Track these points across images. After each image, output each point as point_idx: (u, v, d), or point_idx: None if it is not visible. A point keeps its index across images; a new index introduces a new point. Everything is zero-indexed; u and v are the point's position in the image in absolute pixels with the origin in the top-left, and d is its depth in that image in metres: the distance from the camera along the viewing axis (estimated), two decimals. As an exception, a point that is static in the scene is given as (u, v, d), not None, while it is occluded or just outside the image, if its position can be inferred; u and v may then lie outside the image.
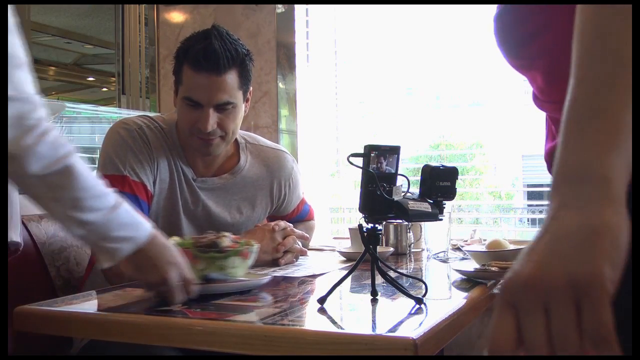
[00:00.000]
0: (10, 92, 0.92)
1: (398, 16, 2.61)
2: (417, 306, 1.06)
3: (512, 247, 1.49)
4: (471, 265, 1.44)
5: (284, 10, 2.62)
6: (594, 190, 0.49)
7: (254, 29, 2.62)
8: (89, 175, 1.04)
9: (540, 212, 2.95)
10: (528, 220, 3.28)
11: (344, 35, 2.70)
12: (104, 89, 2.84)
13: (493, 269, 1.36)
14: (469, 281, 1.32)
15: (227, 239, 1.23)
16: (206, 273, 1.19)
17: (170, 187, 1.56)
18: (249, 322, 0.97)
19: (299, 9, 2.65)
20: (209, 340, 0.97)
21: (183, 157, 1.59)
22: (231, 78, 1.49)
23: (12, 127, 0.93)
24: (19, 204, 1.25)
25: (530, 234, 2.88)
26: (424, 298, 1.08)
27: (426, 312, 1.03)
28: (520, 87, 2.53)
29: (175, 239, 1.22)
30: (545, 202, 2.61)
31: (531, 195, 3.21)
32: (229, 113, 1.52)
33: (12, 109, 0.93)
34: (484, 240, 1.75)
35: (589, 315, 0.45)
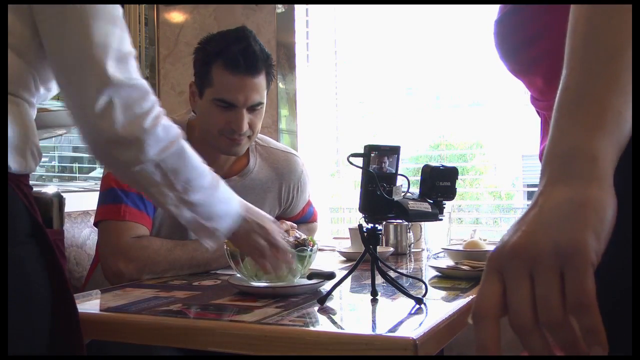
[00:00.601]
0: (121, 77, 0.93)
1: (398, 16, 2.60)
2: (417, 306, 1.06)
3: (488, 248, 1.50)
4: (445, 263, 1.45)
5: (284, 10, 2.62)
6: (581, 168, 0.51)
7: (254, 29, 2.59)
8: (195, 154, 1.08)
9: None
10: (528, 220, 3.27)
11: (344, 35, 2.70)
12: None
13: (465, 267, 1.37)
14: (469, 281, 1.32)
15: (306, 238, 1.27)
16: (300, 272, 1.23)
17: None
18: (249, 322, 0.97)
19: (299, 9, 2.65)
20: (209, 340, 0.97)
21: None
22: (262, 79, 1.53)
23: (124, 112, 0.94)
24: None
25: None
26: (424, 298, 1.08)
27: (426, 312, 1.03)
28: (520, 87, 2.53)
29: None
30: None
31: (531, 195, 3.21)
32: (257, 113, 1.55)
33: (122, 95, 0.93)
34: (484, 240, 1.75)
35: (571, 282, 0.47)
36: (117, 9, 0.96)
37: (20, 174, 0.87)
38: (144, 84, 0.98)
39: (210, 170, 1.11)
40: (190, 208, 1.06)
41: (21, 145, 0.87)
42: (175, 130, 1.03)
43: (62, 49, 0.92)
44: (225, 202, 1.13)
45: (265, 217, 1.21)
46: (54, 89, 1.00)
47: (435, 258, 1.69)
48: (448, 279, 1.35)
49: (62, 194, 1.28)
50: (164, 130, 1.00)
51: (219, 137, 1.53)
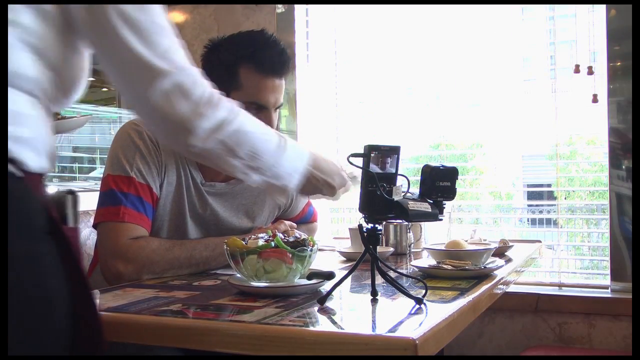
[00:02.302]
0: (168, 67, 0.98)
1: (398, 16, 2.60)
2: (417, 306, 1.06)
3: (469, 247, 1.50)
4: (428, 262, 1.46)
5: (284, 10, 2.62)
6: None
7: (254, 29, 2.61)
8: (256, 121, 1.17)
9: (540, 212, 2.95)
10: (528, 220, 3.28)
11: (344, 35, 2.69)
12: (104, 89, 2.84)
13: (447, 267, 1.37)
14: (469, 281, 1.32)
15: (306, 238, 1.27)
16: (300, 271, 1.23)
17: (178, 191, 1.56)
18: (249, 322, 0.97)
19: (299, 9, 2.65)
20: (209, 340, 0.97)
21: (193, 162, 1.58)
22: (284, 81, 1.57)
23: (180, 99, 1.00)
24: None
25: (530, 233, 2.88)
26: (423, 298, 1.08)
27: (426, 312, 1.03)
28: (520, 87, 2.53)
29: (259, 241, 1.24)
30: (545, 202, 2.62)
31: (531, 195, 3.21)
32: (277, 114, 1.59)
33: (175, 82, 0.99)
34: (484, 240, 1.75)
35: None
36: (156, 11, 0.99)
37: (37, 173, 0.87)
38: (194, 70, 1.04)
39: (276, 132, 1.21)
40: (257, 172, 1.15)
41: (41, 145, 0.88)
42: (232, 107, 1.11)
43: (113, 53, 0.97)
44: (292, 160, 1.21)
45: (333, 170, 1.33)
46: (73, 97, 1.02)
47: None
48: (448, 279, 1.35)
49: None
50: (221, 109, 1.08)
51: None
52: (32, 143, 0.86)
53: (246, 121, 1.14)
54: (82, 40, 0.97)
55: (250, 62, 1.50)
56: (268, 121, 1.52)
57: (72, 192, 1.00)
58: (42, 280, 0.81)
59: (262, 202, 1.71)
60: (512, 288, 1.87)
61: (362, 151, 1.10)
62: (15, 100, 0.85)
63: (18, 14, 0.87)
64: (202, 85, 1.05)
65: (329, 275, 1.22)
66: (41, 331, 0.80)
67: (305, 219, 1.91)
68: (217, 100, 1.07)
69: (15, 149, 0.82)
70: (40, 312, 0.80)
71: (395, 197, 1.11)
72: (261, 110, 1.52)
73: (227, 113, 1.09)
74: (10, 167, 0.81)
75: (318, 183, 1.30)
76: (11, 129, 0.83)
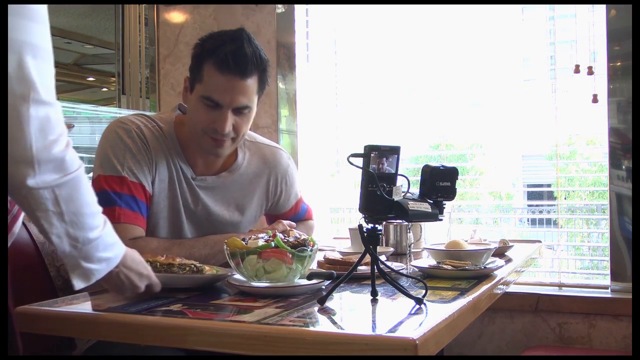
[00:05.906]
0: (39, 95, 0.90)
1: (398, 16, 2.60)
2: (417, 306, 1.06)
3: (469, 247, 1.50)
4: (428, 262, 1.46)
5: (284, 10, 2.62)
6: None
7: (254, 29, 2.62)
8: (91, 191, 1.04)
9: (540, 212, 2.95)
10: (528, 220, 3.28)
11: (344, 35, 2.69)
12: (104, 89, 2.84)
13: (447, 267, 1.38)
14: (469, 281, 1.32)
15: (306, 238, 1.26)
16: (300, 272, 1.22)
17: (170, 187, 1.56)
18: (249, 322, 0.97)
19: (299, 9, 2.65)
20: (209, 340, 0.97)
21: (182, 157, 1.58)
22: (252, 83, 1.50)
23: (40, 132, 0.91)
24: None
25: (530, 233, 2.89)
26: (423, 298, 1.08)
27: (426, 312, 1.03)
28: (520, 87, 2.53)
29: (259, 241, 1.23)
30: (545, 202, 2.63)
31: (531, 195, 3.22)
32: (244, 116, 1.53)
33: (40, 113, 0.91)
34: (484, 240, 1.75)
35: None
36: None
37: None
38: (56, 101, 0.95)
39: (102, 214, 1.06)
40: (72, 243, 1.00)
41: None
42: (79, 161, 1.00)
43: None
44: (109, 248, 1.06)
45: (142, 272, 1.15)
46: None
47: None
48: (448, 279, 1.35)
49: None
50: (72, 156, 0.97)
51: (203, 136, 1.52)
52: None
53: (85, 182, 1.01)
54: None
55: (211, 57, 1.47)
56: (221, 120, 1.48)
57: None
58: None
59: (252, 194, 1.71)
60: (512, 288, 1.88)
61: (362, 151, 1.10)
62: None
63: None
64: (63, 123, 0.96)
65: (329, 276, 1.22)
66: None
67: (300, 216, 1.90)
68: (70, 148, 0.98)
69: None
70: None
71: (395, 197, 1.11)
72: (216, 108, 1.48)
73: (74, 163, 0.98)
74: None
75: (124, 281, 1.11)
76: None
